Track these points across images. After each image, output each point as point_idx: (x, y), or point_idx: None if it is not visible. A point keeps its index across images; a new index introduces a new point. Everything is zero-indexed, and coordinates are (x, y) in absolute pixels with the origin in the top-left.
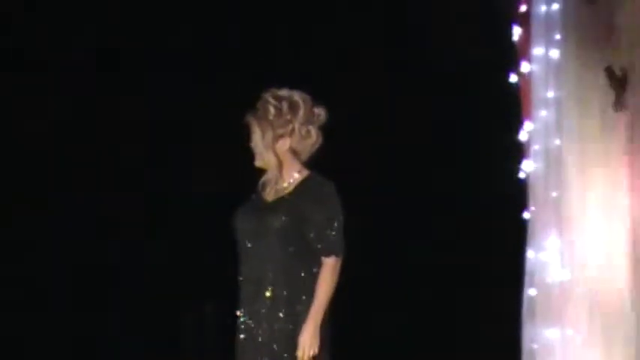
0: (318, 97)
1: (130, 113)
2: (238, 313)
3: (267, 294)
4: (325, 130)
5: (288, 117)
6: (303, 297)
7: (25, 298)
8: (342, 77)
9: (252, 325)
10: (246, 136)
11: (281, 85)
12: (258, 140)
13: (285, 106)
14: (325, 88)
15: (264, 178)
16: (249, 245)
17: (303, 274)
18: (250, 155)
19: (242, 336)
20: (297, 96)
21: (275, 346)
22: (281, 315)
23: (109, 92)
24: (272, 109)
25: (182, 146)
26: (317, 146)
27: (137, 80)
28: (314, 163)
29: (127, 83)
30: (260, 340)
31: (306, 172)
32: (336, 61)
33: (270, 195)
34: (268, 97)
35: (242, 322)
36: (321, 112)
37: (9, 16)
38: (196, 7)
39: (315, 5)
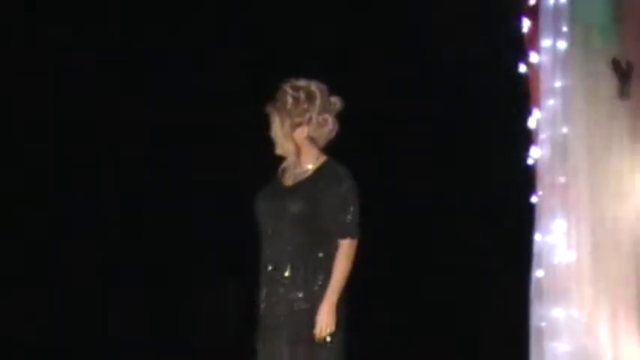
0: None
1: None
2: (260, 292)
3: (286, 274)
4: (340, 119)
5: (305, 106)
6: (321, 277)
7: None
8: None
9: (273, 305)
10: (266, 125)
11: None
12: (278, 129)
13: (302, 95)
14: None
15: (284, 164)
16: (269, 227)
17: (320, 255)
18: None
19: (263, 315)
20: (313, 86)
21: (294, 324)
22: (299, 295)
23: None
24: (290, 99)
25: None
26: (333, 134)
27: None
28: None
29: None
30: (280, 319)
31: (323, 159)
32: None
33: (289, 180)
34: (286, 87)
35: (262, 302)
36: (336, 101)
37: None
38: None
39: (313, 5)
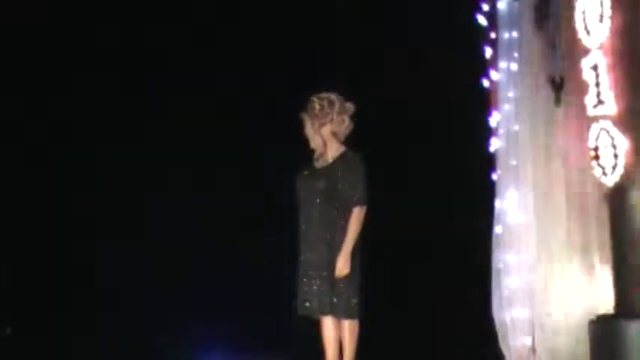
0: None
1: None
2: (300, 244)
3: (318, 233)
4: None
5: (328, 110)
6: (342, 235)
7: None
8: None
9: (308, 255)
10: (300, 128)
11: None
12: (309, 129)
13: (325, 103)
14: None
15: (316, 154)
16: (304, 199)
17: (339, 219)
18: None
19: (302, 260)
20: (333, 96)
21: (322, 268)
22: (325, 248)
23: None
24: (317, 106)
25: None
26: (350, 129)
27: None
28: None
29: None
30: (314, 264)
31: (342, 149)
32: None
33: (319, 164)
34: (314, 98)
35: (302, 252)
36: (350, 106)
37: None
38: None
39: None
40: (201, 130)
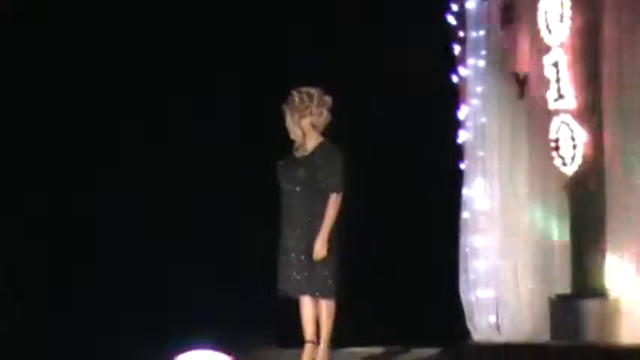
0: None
1: None
2: (282, 228)
3: (297, 217)
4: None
5: (307, 103)
6: (320, 219)
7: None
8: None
9: (288, 239)
10: (281, 119)
11: None
12: (289, 120)
13: (304, 96)
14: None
15: (296, 144)
16: (285, 187)
17: (319, 207)
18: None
19: (282, 243)
20: (312, 90)
21: (301, 251)
22: (304, 232)
23: None
24: (297, 99)
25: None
26: (328, 121)
27: None
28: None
29: None
30: (293, 247)
31: (321, 139)
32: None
33: (299, 154)
34: (293, 92)
35: (282, 236)
36: (329, 99)
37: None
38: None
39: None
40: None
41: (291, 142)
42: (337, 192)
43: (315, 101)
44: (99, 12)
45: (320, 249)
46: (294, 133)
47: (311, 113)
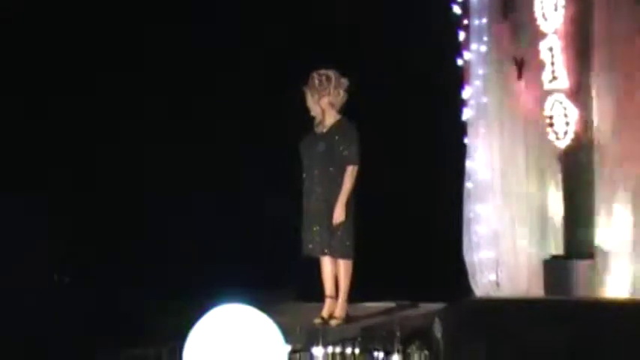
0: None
1: None
2: (304, 197)
3: (319, 188)
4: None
5: (325, 85)
6: (338, 189)
7: None
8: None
9: (310, 206)
10: (303, 100)
11: None
12: (310, 100)
13: (323, 78)
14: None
15: (316, 121)
16: (307, 160)
17: (338, 178)
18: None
19: (310, 210)
20: (330, 72)
21: (322, 217)
22: (324, 200)
23: None
24: (316, 81)
25: None
26: (344, 101)
27: None
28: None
29: None
30: (315, 214)
31: (338, 117)
32: None
33: (319, 130)
34: (314, 74)
35: (305, 203)
36: (345, 81)
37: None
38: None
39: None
40: None
41: (312, 120)
42: (354, 164)
43: (333, 83)
44: None
45: (339, 215)
46: (314, 111)
47: (329, 93)
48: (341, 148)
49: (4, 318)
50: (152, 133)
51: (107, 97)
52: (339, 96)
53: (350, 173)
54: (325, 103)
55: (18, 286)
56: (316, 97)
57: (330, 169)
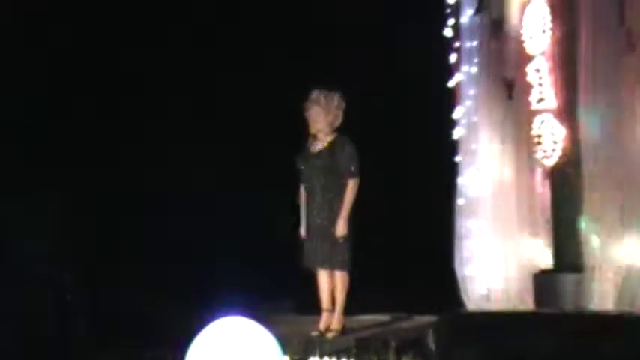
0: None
1: None
2: (307, 211)
3: (318, 202)
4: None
5: (330, 104)
6: (339, 204)
7: None
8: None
9: (312, 219)
10: (304, 116)
11: None
12: (313, 116)
13: (328, 98)
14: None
15: (310, 140)
16: (306, 175)
17: (337, 191)
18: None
19: (310, 224)
20: (333, 93)
21: (323, 230)
22: (326, 214)
23: None
24: (322, 99)
25: None
26: (341, 121)
27: None
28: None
29: None
30: (316, 227)
31: (336, 134)
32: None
33: (317, 147)
34: (319, 93)
35: (307, 216)
36: (343, 103)
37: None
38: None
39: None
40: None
41: (305, 138)
42: (354, 178)
43: (336, 103)
44: None
45: (341, 228)
46: (315, 127)
47: (329, 113)
48: (342, 163)
49: (4, 318)
50: (152, 132)
51: (107, 97)
52: (339, 116)
53: (351, 187)
54: (328, 121)
55: (19, 286)
56: (322, 115)
57: (331, 183)
